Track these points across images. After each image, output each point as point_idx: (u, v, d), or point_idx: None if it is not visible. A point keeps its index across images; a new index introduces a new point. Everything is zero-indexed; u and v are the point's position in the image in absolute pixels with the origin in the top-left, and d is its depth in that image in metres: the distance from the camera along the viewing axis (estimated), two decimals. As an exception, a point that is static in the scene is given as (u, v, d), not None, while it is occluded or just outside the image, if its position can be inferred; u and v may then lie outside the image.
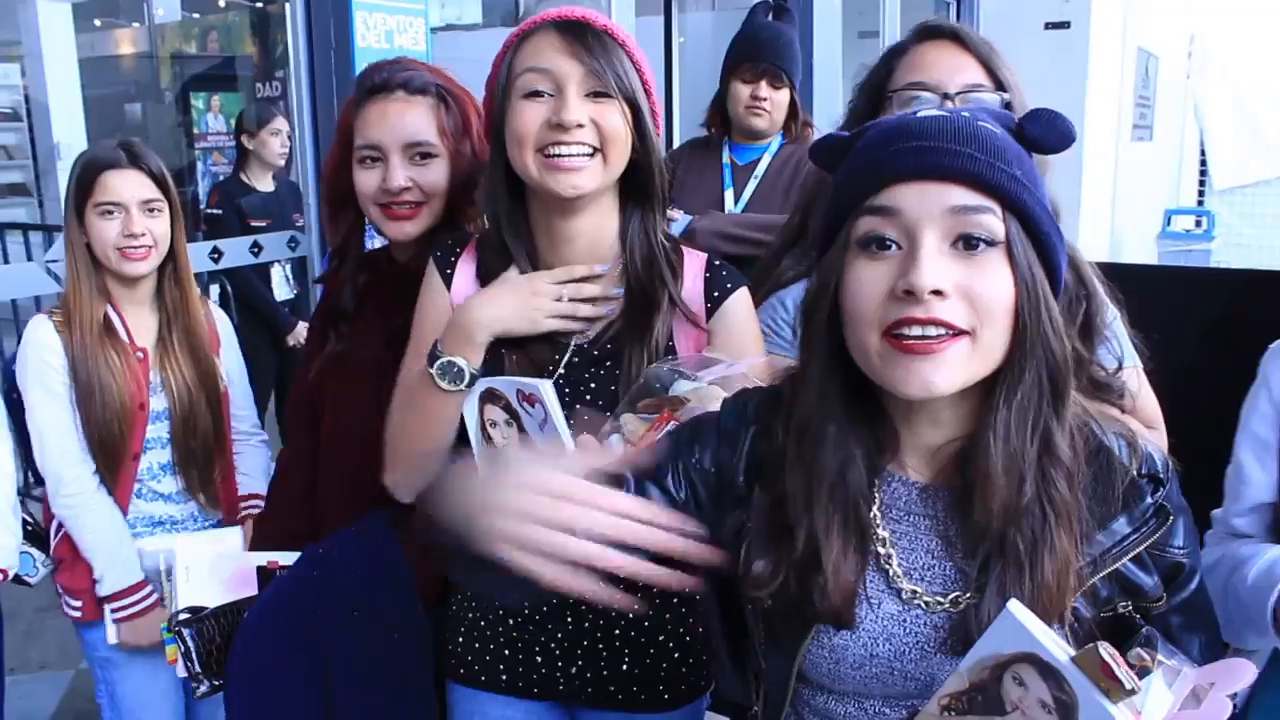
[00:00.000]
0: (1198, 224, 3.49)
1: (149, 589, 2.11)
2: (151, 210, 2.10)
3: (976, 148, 0.95)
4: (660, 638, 1.52)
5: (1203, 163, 5.66)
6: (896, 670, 1.04)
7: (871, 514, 1.04)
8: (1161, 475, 1.06)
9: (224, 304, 4.02)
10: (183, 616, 1.73)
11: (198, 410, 2.17)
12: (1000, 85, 1.50)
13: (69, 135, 7.85)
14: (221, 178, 6.24)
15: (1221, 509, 1.43)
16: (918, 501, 1.06)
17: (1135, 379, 1.47)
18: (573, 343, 1.46)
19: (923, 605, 1.03)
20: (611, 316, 1.47)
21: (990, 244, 0.94)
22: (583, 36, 1.37)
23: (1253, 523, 1.37)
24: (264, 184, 4.40)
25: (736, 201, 2.99)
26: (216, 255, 3.15)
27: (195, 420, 2.17)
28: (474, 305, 1.44)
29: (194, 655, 1.73)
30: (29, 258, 5.85)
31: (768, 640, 1.11)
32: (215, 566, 1.79)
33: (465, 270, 1.51)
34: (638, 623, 1.50)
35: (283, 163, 4.39)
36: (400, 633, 1.64)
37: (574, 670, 1.52)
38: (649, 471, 1.09)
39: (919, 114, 1.00)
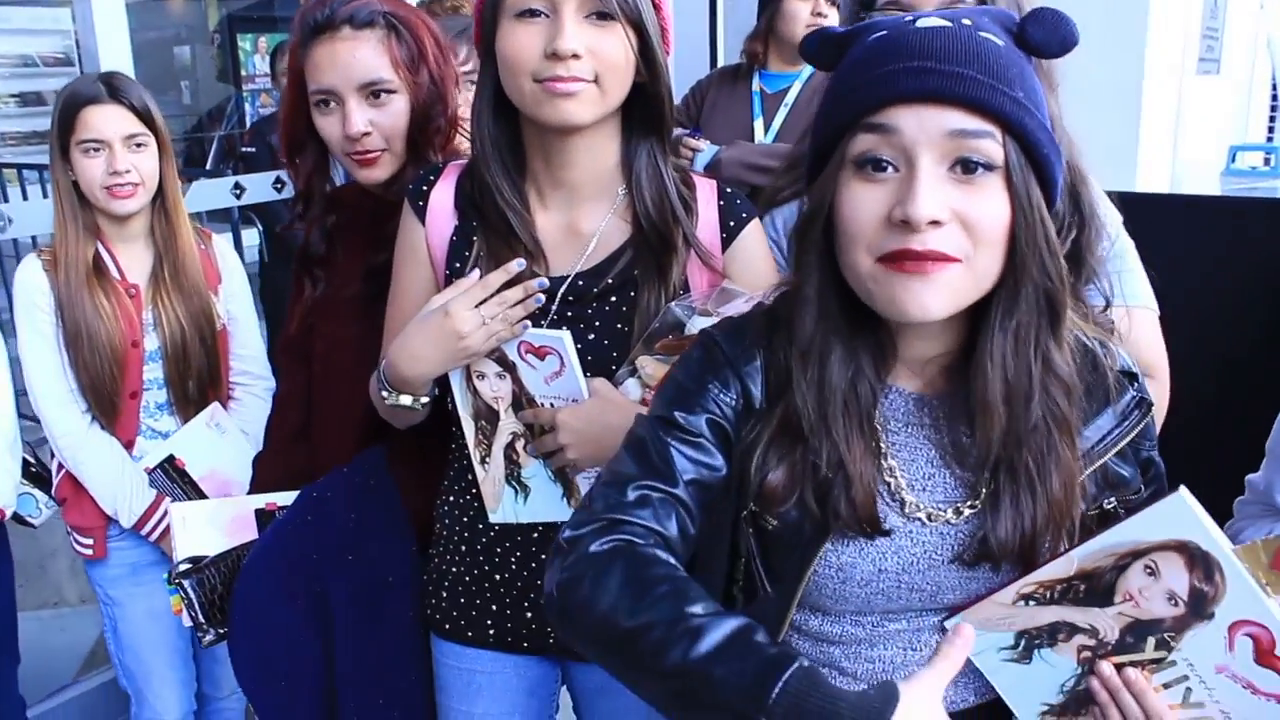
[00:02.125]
0: (1266, 161, 3.29)
1: (166, 503, 2.10)
2: (137, 145, 2.04)
3: (979, 68, 0.92)
4: None
5: (1274, 98, 5.41)
6: (904, 583, 1.04)
7: (876, 428, 1.04)
8: (1134, 370, 1.09)
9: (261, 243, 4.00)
10: (183, 568, 1.69)
11: (191, 348, 2.14)
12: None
13: (120, 76, 7.89)
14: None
15: (1261, 474, 1.23)
16: (914, 412, 1.06)
17: (1127, 320, 1.35)
18: (570, 277, 1.36)
19: (924, 517, 1.03)
20: (614, 248, 1.37)
21: (988, 169, 0.92)
22: None
23: None
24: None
25: (766, 131, 2.88)
26: (239, 191, 3.10)
27: (188, 358, 2.14)
28: (400, 363, 1.34)
29: (196, 605, 1.69)
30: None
31: (764, 574, 1.09)
32: (212, 515, 1.75)
33: (441, 197, 1.42)
34: None
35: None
36: (395, 575, 1.59)
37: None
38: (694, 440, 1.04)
39: (919, 24, 0.95)
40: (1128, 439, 1.06)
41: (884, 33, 0.97)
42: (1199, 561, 0.89)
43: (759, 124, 2.88)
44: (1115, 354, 1.08)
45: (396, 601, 1.59)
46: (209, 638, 1.69)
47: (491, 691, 1.51)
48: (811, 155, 1.02)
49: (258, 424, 2.18)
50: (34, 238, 2.92)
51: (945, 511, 1.03)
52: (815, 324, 1.01)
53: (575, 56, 1.24)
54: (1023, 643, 1.00)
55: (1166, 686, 0.95)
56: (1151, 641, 0.95)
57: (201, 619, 1.68)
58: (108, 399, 2.08)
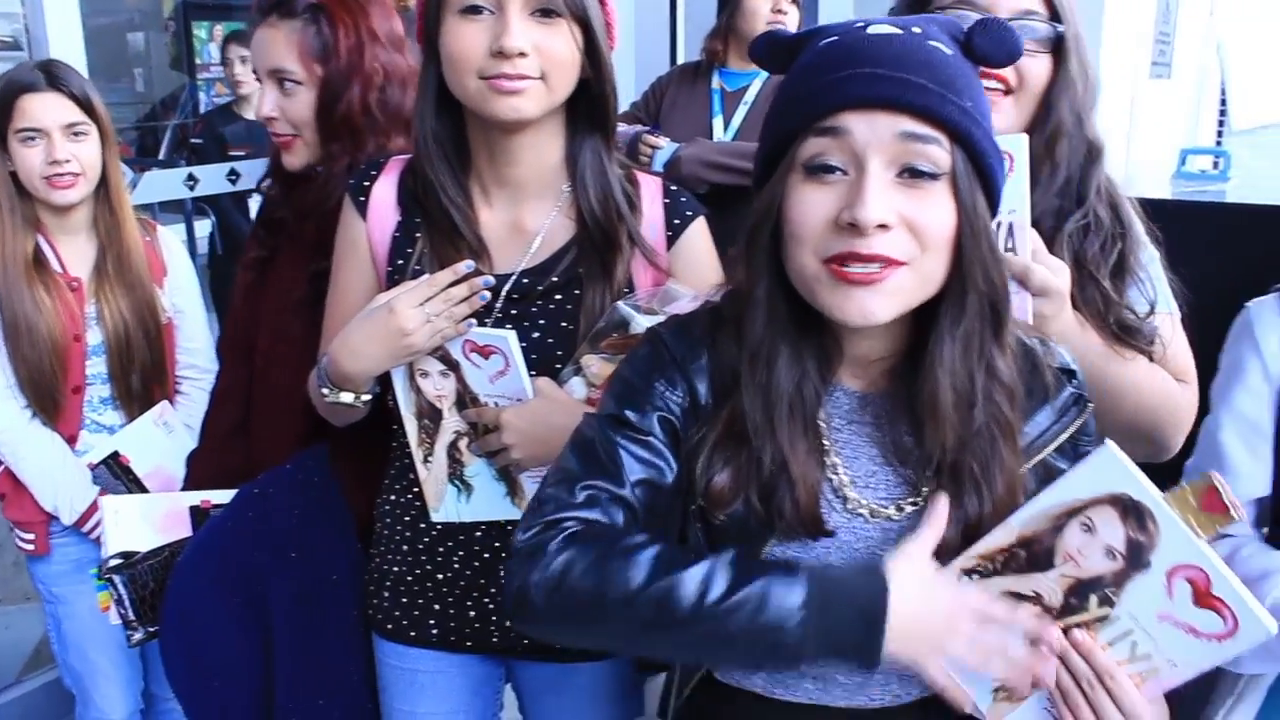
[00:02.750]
0: (1214, 165, 3.34)
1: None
2: (77, 134, 2.01)
3: (929, 76, 0.94)
4: None
5: (1223, 102, 5.49)
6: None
7: (820, 429, 1.05)
8: (1073, 368, 1.10)
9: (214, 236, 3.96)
10: (113, 563, 1.66)
11: (134, 342, 2.11)
12: (1056, 15, 1.38)
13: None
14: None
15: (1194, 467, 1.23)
16: (857, 410, 1.07)
17: (1169, 326, 1.37)
18: (514, 275, 1.35)
19: (866, 514, 1.04)
20: (558, 246, 1.37)
21: (935, 176, 0.94)
22: None
23: (1241, 524, 1.14)
24: (247, 111, 4.28)
25: (726, 129, 2.88)
26: (193, 182, 3.06)
27: (132, 352, 2.10)
28: (342, 359, 1.33)
29: (126, 602, 1.66)
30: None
31: None
32: (145, 510, 1.72)
33: (383, 192, 1.40)
34: None
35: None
36: (338, 573, 1.57)
37: (509, 623, 1.44)
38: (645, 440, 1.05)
39: (869, 30, 0.97)
40: (1066, 434, 1.07)
41: (835, 38, 0.98)
42: (1132, 512, 0.92)
43: (718, 122, 2.88)
44: (1054, 352, 1.10)
45: (339, 600, 1.57)
46: (138, 636, 1.67)
47: (435, 691, 1.49)
48: (761, 159, 1.03)
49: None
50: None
51: (888, 508, 1.04)
52: (764, 327, 1.02)
53: (522, 55, 1.23)
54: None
55: (1112, 644, 0.97)
56: (1094, 599, 0.96)
57: (131, 616, 1.65)
58: (49, 394, 2.04)
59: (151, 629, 1.66)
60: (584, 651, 1.43)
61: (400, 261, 1.38)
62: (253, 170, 3.25)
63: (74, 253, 2.08)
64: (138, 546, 1.66)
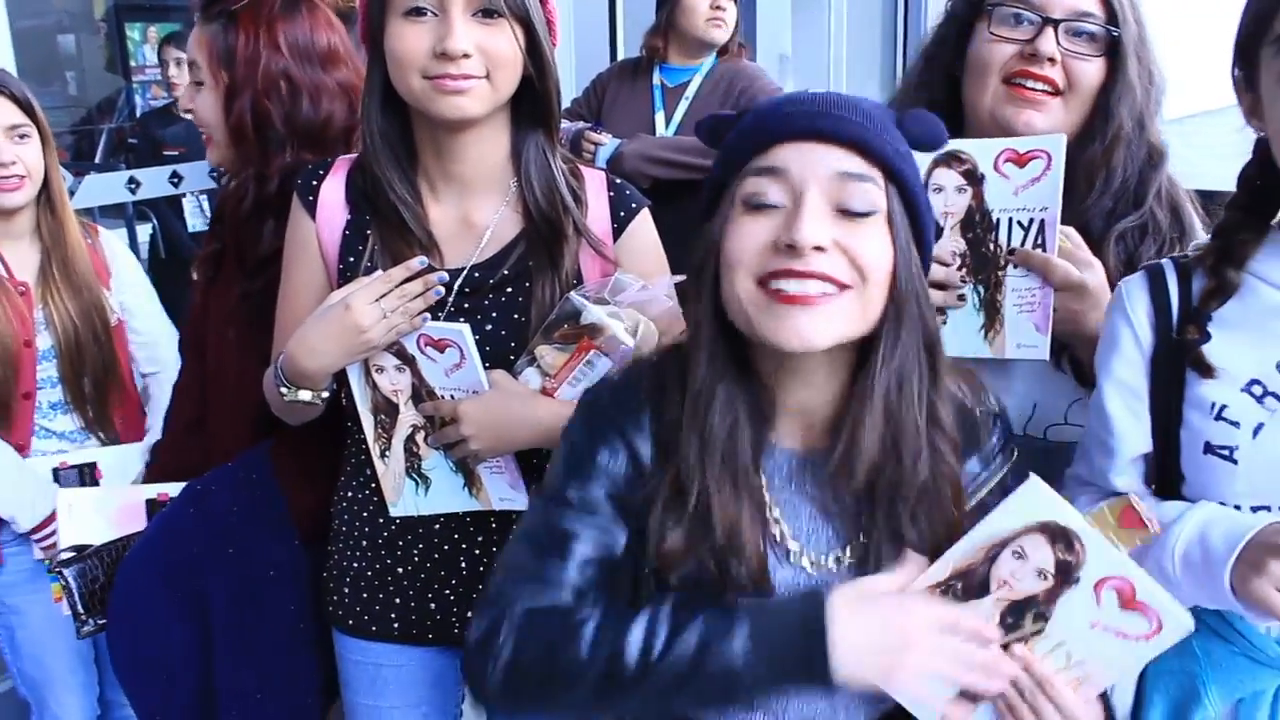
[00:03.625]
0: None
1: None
2: (20, 137, 2.00)
3: (863, 117, 0.98)
4: None
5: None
6: None
7: (758, 484, 1.06)
8: (999, 411, 1.13)
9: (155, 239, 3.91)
10: (64, 556, 1.66)
11: (84, 345, 2.09)
12: (1113, 18, 1.38)
13: (-1, 67, 7.58)
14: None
15: (1085, 466, 1.28)
16: (796, 472, 1.08)
17: None
18: (465, 270, 1.38)
19: (807, 565, 1.06)
20: (507, 240, 1.40)
21: (868, 215, 0.97)
22: None
23: (1130, 479, 1.22)
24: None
25: (668, 124, 2.92)
26: (135, 185, 3.04)
27: (82, 355, 2.09)
28: (299, 357, 1.34)
29: (76, 595, 1.66)
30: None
31: None
32: (100, 503, 1.72)
33: (332, 191, 1.42)
34: None
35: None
36: (275, 570, 1.60)
37: (470, 614, 1.46)
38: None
39: (809, 91, 1.03)
40: (996, 479, 1.11)
41: (773, 99, 1.05)
42: (1059, 536, 0.98)
43: (660, 117, 2.92)
44: (983, 396, 1.12)
45: (278, 597, 1.60)
46: (87, 628, 1.68)
47: (398, 684, 1.52)
48: (704, 203, 1.05)
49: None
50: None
51: (827, 560, 1.07)
52: (705, 367, 1.03)
53: (465, 56, 1.26)
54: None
55: (1049, 653, 1.02)
56: (1029, 617, 1.01)
57: (80, 609, 1.66)
58: (2, 403, 2.02)
59: (100, 621, 1.67)
60: None
61: (351, 259, 1.40)
62: (193, 173, 3.21)
63: (19, 258, 2.07)
64: (91, 540, 1.67)
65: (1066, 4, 1.37)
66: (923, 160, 1.28)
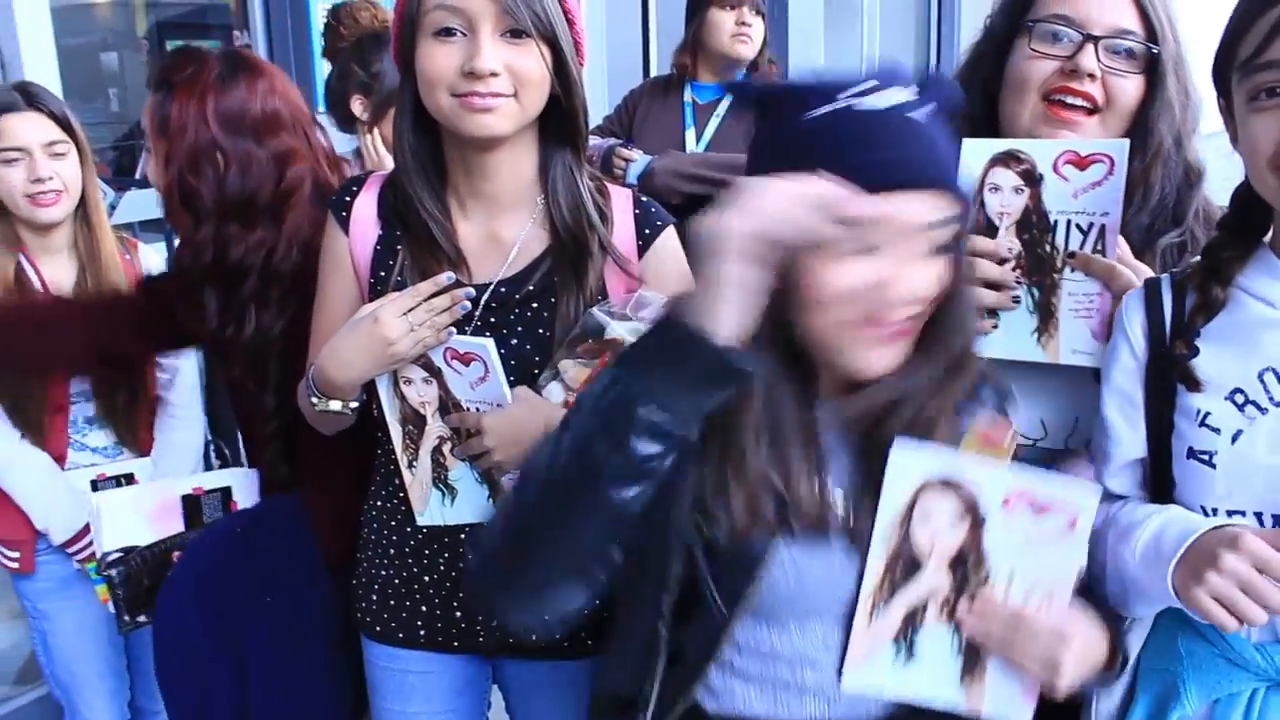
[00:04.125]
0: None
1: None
2: (57, 153, 2.03)
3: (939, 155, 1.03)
4: None
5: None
6: (852, 573, 1.08)
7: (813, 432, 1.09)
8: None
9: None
10: (112, 558, 1.70)
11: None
12: (1153, 35, 1.39)
13: (41, 84, 7.71)
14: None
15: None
16: (830, 420, 1.10)
17: None
18: (492, 285, 1.40)
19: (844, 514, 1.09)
20: (534, 256, 1.42)
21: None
22: None
23: (1125, 483, 1.27)
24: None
25: (698, 141, 2.93)
26: (165, 202, 3.06)
27: (115, 370, 2.11)
28: (329, 368, 1.37)
29: (121, 597, 1.71)
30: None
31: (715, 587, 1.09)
32: (136, 502, 1.76)
33: (365, 207, 1.45)
34: None
35: None
36: (312, 612, 1.66)
37: (495, 623, 1.48)
38: None
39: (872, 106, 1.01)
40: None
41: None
42: (948, 484, 1.06)
43: (690, 134, 2.93)
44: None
45: (312, 635, 1.66)
46: (129, 626, 1.73)
47: (424, 691, 1.54)
48: None
49: (172, 452, 2.20)
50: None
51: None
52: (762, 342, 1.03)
53: (493, 74, 1.28)
54: (900, 645, 1.09)
55: (1008, 588, 1.06)
56: (970, 563, 1.07)
57: (125, 614, 1.71)
58: (33, 416, 2.06)
59: (142, 619, 1.72)
60: (573, 647, 1.48)
61: (382, 273, 1.43)
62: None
63: (55, 272, 2.10)
64: (135, 541, 1.71)
65: (1107, 21, 1.37)
66: (982, 159, 1.32)
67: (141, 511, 1.73)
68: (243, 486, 1.81)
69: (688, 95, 2.97)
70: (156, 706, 2.38)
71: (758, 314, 0.97)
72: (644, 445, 0.94)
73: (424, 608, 1.50)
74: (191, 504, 1.75)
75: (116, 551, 1.69)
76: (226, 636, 1.65)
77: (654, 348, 0.96)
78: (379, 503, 1.53)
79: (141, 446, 2.19)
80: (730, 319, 0.93)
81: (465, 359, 1.35)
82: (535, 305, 1.40)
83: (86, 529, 2.07)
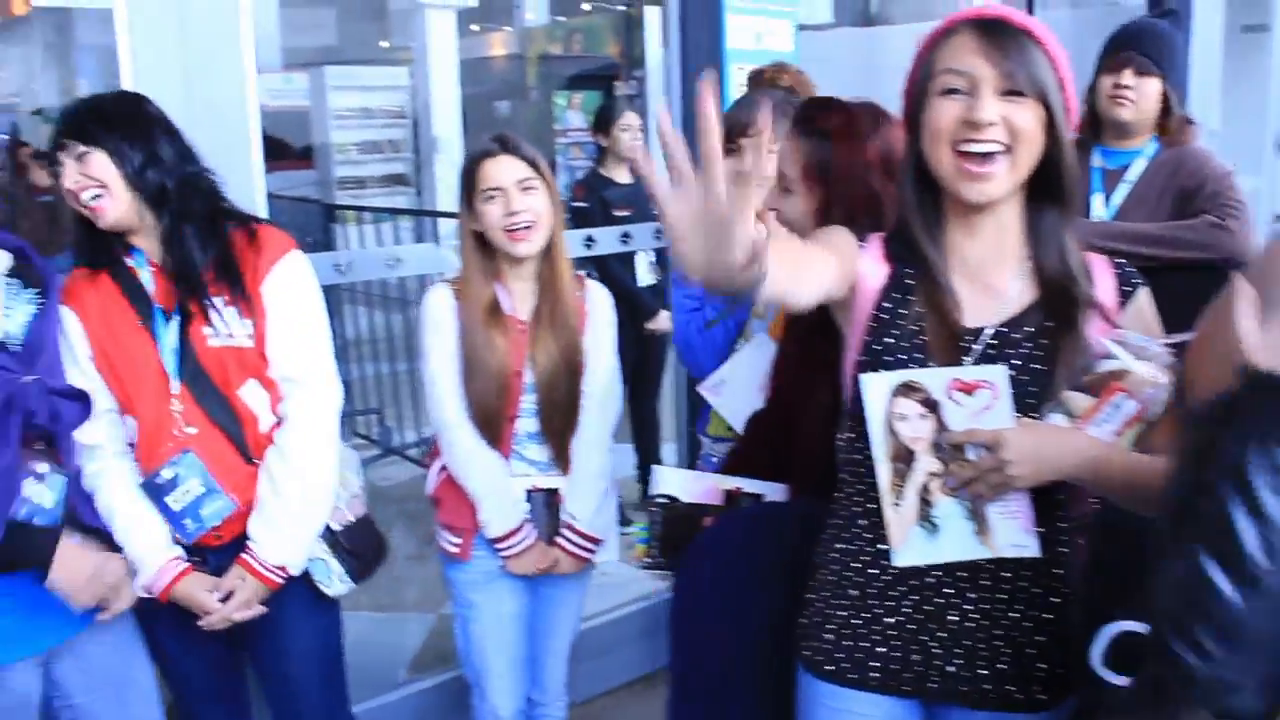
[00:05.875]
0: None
1: (526, 531, 2.33)
2: (528, 188, 2.26)
3: None
4: (1044, 634, 1.51)
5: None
6: None
7: None
8: None
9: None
10: (659, 500, 1.95)
11: (559, 383, 2.31)
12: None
13: (447, 130, 8.57)
14: (579, 173, 6.61)
15: None
16: None
17: None
18: (989, 328, 1.50)
19: None
20: (1026, 304, 1.51)
21: None
22: (999, 36, 1.42)
23: None
24: (622, 176, 4.60)
25: (1106, 206, 2.86)
26: (590, 242, 3.35)
27: (557, 392, 2.31)
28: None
29: (656, 534, 1.96)
30: (416, 239, 6.49)
31: None
32: (686, 479, 2.00)
33: (872, 250, 1.58)
34: (1024, 618, 1.50)
35: (636, 156, 4.56)
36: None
37: (951, 668, 1.52)
38: None
39: None
40: None
41: None
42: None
43: (1098, 199, 2.86)
44: None
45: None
46: (653, 567, 2.00)
47: None
48: None
49: (584, 480, 2.38)
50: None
51: None
52: None
53: (991, 124, 1.40)
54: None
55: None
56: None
57: (657, 554, 1.97)
58: (492, 423, 2.29)
59: (661, 562, 1.98)
60: (1021, 701, 1.51)
61: (886, 305, 1.54)
62: (641, 233, 3.48)
63: (523, 300, 2.33)
64: (678, 494, 1.96)
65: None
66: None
67: (688, 488, 1.97)
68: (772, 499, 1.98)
69: (1096, 160, 2.91)
70: (546, 700, 2.59)
71: None
72: None
73: (880, 649, 1.54)
74: (731, 501, 1.94)
75: (664, 496, 1.92)
76: (736, 606, 1.76)
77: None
78: (841, 545, 1.58)
79: (564, 466, 2.37)
80: None
81: (970, 389, 1.43)
82: (1029, 345, 1.48)
83: (516, 530, 2.31)
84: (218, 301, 1.99)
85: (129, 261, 2.03)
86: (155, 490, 2.01)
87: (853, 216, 1.70)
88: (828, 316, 1.62)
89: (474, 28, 10.76)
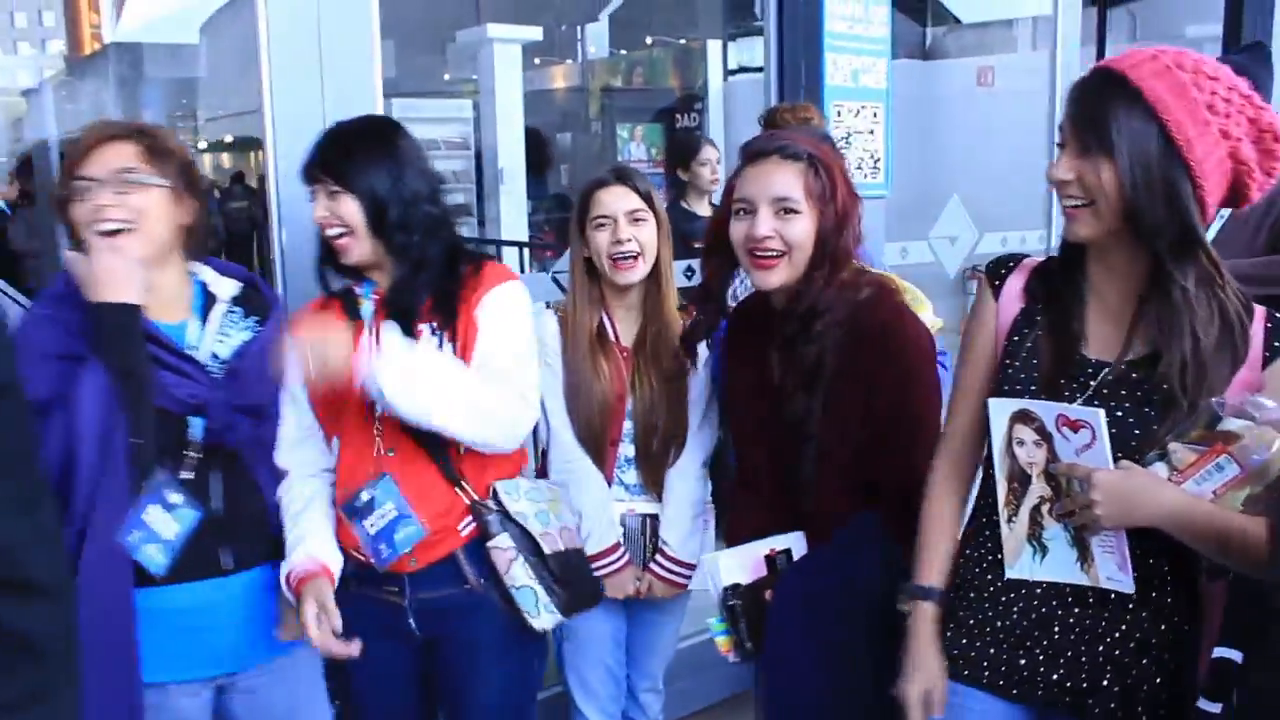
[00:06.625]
0: None
1: (621, 551, 2.38)
2: (636, 220, 2.33)
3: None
4: (1150, 660, 1.56)
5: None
6: None
7: None
8: None
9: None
10: (730, 596, 2.00)
11: (659, 410, 2.36)
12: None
13: (511, 162, 8.66)
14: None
15: None
16: None
17: None
18: (1109, 363, 1.56)
19: None
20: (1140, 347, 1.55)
21: None
22: None
23: None
24: (703, 209, 4.66)
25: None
26: (691, 273, 3.36)
27: (656, 419, 2.36)
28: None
29: (742, 624, 1.99)
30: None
31: None
32: (737, 556, 2.05)
33: (1014, 285, 1.68)
34: (1127, 640, 1.56)
35: (715, 189, 4.64)
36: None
37: (1056, 676, 1.60)
38: None
39: None
40: None
41: None
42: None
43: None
44: None
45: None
46: (750, 655, 2.00)
47: None
48: None
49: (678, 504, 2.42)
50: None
51: None
52: None
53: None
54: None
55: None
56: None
57: (746, 641, 2.00)
58: (597, 446, 2.35)
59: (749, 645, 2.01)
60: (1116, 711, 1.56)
61: (1016, 338, 1.64)
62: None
63: (627, 327, 2.41)
64: (739, 580, 2.01)
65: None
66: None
67: (742, 565, 2.01)
68: (798, 549, 2.04)
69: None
70: (634, 715, 2.66)
71: None
72: None
73: (991, 650, 1.64)
74: (771, 565, 2.00)
75: (731, 589, 1.97)
76: (827, 639, 1.86)
77: None
78: (970, 550, 1.70)
79: (658, 492, 2.42)
80: None
81: (1075, 426, 1.50)
82: (1145, 390, 1.53)
83: (612, 548, 2.35)
84: (425, 328, 2.00)
85: (357, 290, 2.09)
86: (354, 513, 2.01)
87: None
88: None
89: (536, 60, 10.92)
